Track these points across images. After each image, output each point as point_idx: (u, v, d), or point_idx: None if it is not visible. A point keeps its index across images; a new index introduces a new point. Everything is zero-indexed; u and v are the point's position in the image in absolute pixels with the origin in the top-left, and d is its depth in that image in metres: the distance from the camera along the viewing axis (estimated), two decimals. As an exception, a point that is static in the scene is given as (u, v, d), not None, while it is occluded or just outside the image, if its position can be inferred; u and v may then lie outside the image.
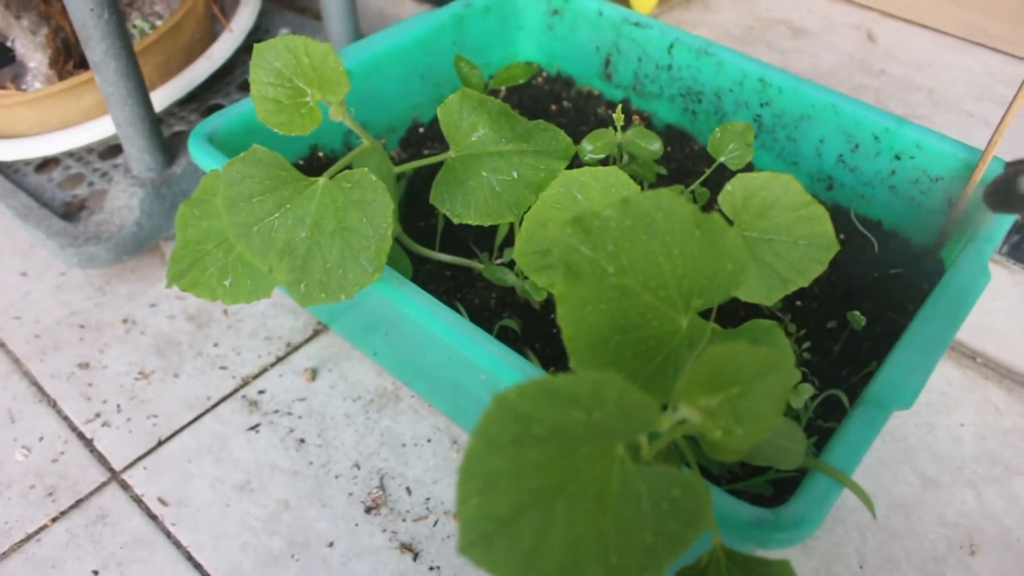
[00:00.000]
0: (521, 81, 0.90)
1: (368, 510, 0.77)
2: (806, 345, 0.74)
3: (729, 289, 0.50)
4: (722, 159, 0.72)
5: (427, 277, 0.81)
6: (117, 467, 0.81)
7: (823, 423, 0.69)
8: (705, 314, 0.54)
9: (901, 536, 0.76)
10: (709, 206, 0.84)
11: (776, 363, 0.40)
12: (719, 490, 0.52)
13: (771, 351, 0.40)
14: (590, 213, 0.49)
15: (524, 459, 0.38)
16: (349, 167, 0.66)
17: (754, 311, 0.76)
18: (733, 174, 0.87)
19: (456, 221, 0.68)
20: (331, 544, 0.75)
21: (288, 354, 0.90)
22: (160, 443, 0.83)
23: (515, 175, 0.68)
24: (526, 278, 0.74)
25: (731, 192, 0.62)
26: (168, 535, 0.76)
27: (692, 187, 0.75)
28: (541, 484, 0.38)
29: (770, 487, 0.64)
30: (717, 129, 0.72)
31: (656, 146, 0.75)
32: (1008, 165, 0.41)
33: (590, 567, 0.38)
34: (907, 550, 0.75)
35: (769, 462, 0.56)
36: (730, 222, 0.61)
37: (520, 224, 0.73)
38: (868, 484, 0.79)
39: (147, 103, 0.88)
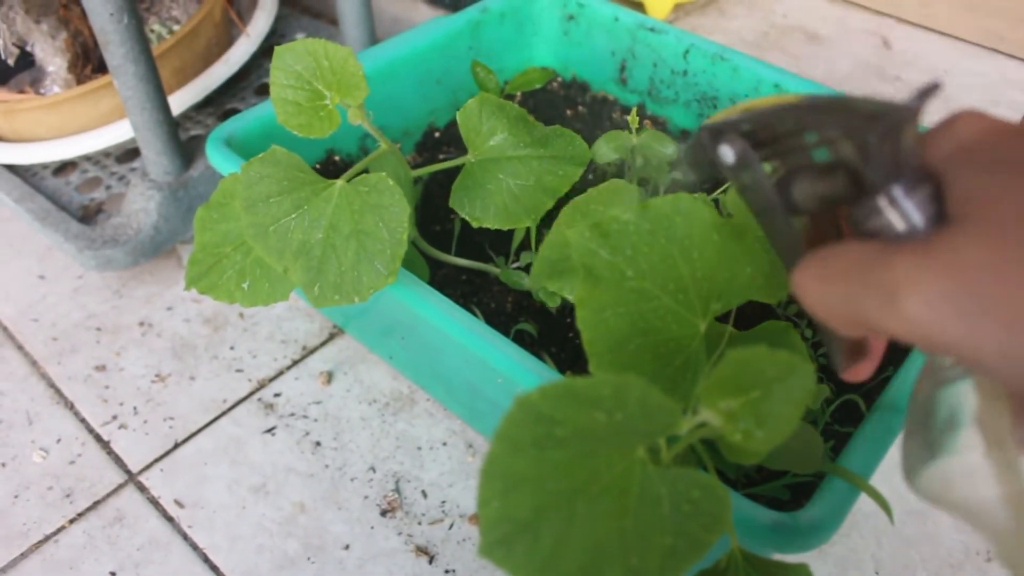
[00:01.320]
0: (537, 86, 0.90)
1: (384, 513, 0.77)
2: (823, 350, 0.74)
3: (748, 293, 0.50)
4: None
5: (443, 281, 0.81)
6: (134, 469, 0.81)
7: (840, 428, 0.68)
8: (723, 317, 0.54)
9: (917, 542, 0.75)
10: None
11: (797, 366, 0.40)
12: (737, 494, 0.52)
13: (792, 355, 0.40)
14: (609, 217, 0.49)
15: (546, 461, 0.38)
16: (366, 171, 0.66)
17: (769, 314, 0.76)
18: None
19: (475, 224, 0.68)
20: (347, 547, 0.75)
21: (304, 357, 0.91)
22: (176, 445, 0.83)
23: (533, 179, 0.69)
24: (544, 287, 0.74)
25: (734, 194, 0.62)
26: (184, 537, 0.76)
27: (715, 195, 0.75)
28: (562, 486, 0.38)
29: (786, 491, 0.64)
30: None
31: (670, 149, 0.75)
32: (702, 129, 0.40)
33: (610, 569, 0.38)
34: (923, 556, 0.74)
35: (786, 466, 0.56)
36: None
37: (535, 230, 0.73)
38: (884, 490, 0.78)
39: (165, 107, 0.89)
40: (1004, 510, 0.33)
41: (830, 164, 0.36)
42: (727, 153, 0.39)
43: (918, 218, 0.33)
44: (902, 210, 0.33)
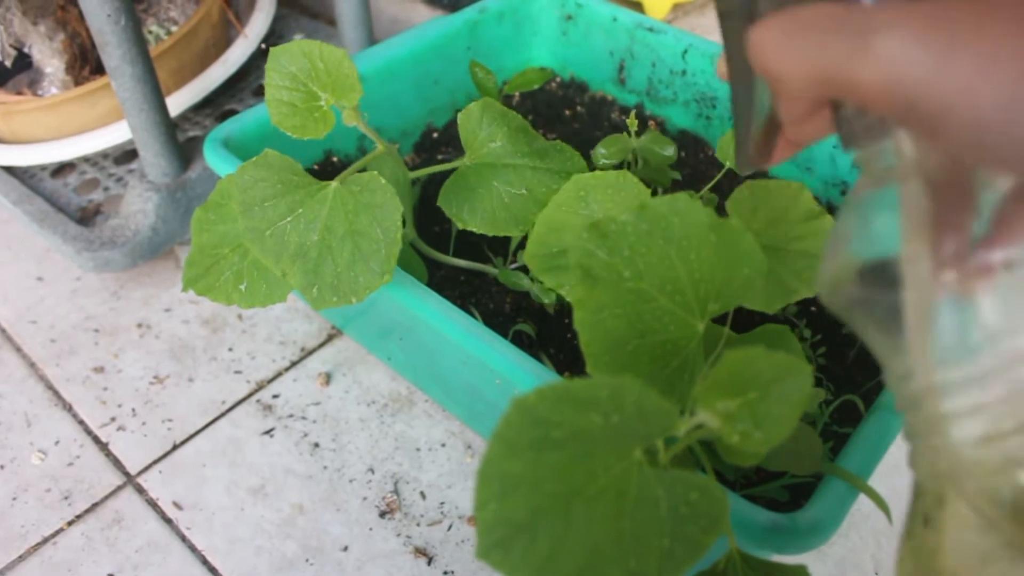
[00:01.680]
0: (536, 87, 0.90)
1: (382, 514, 0.77)
2: (821, 350, 0.74)
3: (745, 294, 0.50)
4: (730, 164, 0.72)
5: (442, 282, 0.81)
6: (132, 471, 0.81)
7: (838, 428, 0.68)
8: (721, 319, 0.54)
9: (917, 542, 0.75)
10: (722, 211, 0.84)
11: (794, 367, 0.40)
12: (735, 495, 0.52)
13: (789, 356, 0.40)
14: (607, 218, 0.49)
15: (543, 463, 0.38)
16: (364, 171, 0.66)
17: (769, 316, 0.76)
18: (747, 179, 0.86)
19: (461, 227, 0.68)
20: (345, 548, 0.75)
21: (302, 359, 0.91)
22: (175, 447, 0.83)
23: (525, 190, 0.69)
24: (541, 281, 0.74)
25: (739, 200, 0.62)
26: (183, 539, 0.76)
27: (702, 192, 0.75)
28: (559, 488, 0.38)
29: (785, 492, 0.64)
30: (727, 132, 0.72)
31: (670, 151, 0.75)
32: None
33: (608, 571, 0.38)
34: (923, 556, 0.74)
35: (785, 467, 0.56)
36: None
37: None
38: (883, 490, 0.78)
39: (163, 108, 0.89)
40: (908, 316, 0.33)
41: None
42: None
43: None
44: None
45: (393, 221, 0.61)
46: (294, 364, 0.90)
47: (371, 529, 0.76)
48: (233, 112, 1.08)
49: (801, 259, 0.59)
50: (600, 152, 0.75)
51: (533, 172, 0.69)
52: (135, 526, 0.77)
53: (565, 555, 0.38)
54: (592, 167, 0.76)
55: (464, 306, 0.78)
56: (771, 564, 0.47)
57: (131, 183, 0.94)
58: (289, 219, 0.62)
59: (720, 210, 0.82)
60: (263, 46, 1.11)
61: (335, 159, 0.92)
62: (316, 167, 0.91)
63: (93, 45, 1.07)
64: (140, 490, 0.80)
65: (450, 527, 0.76)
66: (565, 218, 0.63)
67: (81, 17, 1.06)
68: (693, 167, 0.93)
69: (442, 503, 0.78)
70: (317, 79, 0.65)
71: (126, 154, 1.05)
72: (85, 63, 1.07)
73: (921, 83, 0.29)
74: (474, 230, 0.68)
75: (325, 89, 0.65)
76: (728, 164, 0.72)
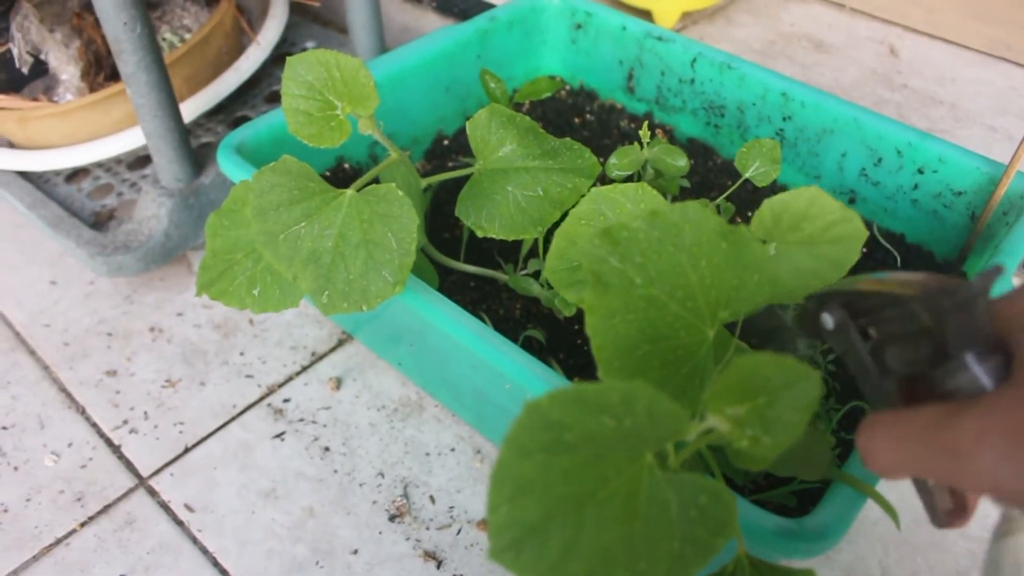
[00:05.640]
0: (546, 96, 0.90)
1: (392, 518, 0.78)
2: (830, 357, 0.74)
3: (756, 300, 0.51)
4: (748, 175, 0.72)
5: (452, 287, 0.82)
6: (144, 473, 0.82)
7: (846, 435, 0.69)
8: (731, 325, 0.55)
9: (924, 549, 0.76)
10: (733, 221, 0.84)
11: (803, 373, 0.41)
12: (743, 500, 0.52)
13: (798, 362, 0.41)
14: (619, 225, 0.50)
15: (554, 466, 0.39)
16: (377, 179, 0.67)
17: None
18: (757, 188, 0.87)
19: (480, 234, 0.69)
20: (355, 552, 0.75)
21: (313, 363, 0.91)
22: (186, 450, 0.84)
23: (540, 191, 0.69)
24: (552, 289, 0.75)
25: (761, 216, 0.62)
26: (194, 541, 0.77)
27: (718, 201, 0.76)
28: (571, 491, 0.39)
29: (793, 498, 0.64)
30: (744, 145, 0.73)
31: (682, 162, 0.75)
32: (808, 298, 0.44)
33: (618, 573, 0.38)
34: (930, 563, 0.75)
35: (793, 472, 0.56)
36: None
37: (543, 238, 0.73)
38: (891, 497, 0.78)
39: (176, 115, 0.90)
40: None
41: (917, 332, 0.39)
42: (827, 320, 0.43)
43: (987, 382, 0.36)
44: (973, 375, 0.37)
45: (408, 233, 0.62)
46: (305, 369, 0.91)
47: (381, 533, 0.77)
48: (246, 118, 1.09)
49: (832, 247, 0.59)
50: (612, 163, 0.75)
51: (546, 173, 0.69)
52: (147, 528, 0.78)
53: (576, 557, 0.38)
54: (603, 175, 0.76)
55: (475, 312, 0.79)
56: (779, 568, 0.48)
57: (144, 188, 0.95)
58: (303, 224, 0.63)
59: (736, 219, 0.83)
60: (281, 41, 1.12)
61: (347, 165, 0.93)
62: (328, 173, 0.92)
63: (108, 52, 1.08)
64: (152, 492, 0.80)
65: (459, 531, 0.77)
66: (584, 231, 0.64)
67: (96, 24, 1.07)
68: (702, 175, 0.93)
69: (451, 507, 0.78)
70: (333, 88, 0.66)
71: (140, 160, 1.06)
72: (100, 70, 1.08)
73: (1015, 496, 0.33)
74: (494, 236, 0.68)
75: (341, 98, 0.66)
76: (746, 175, 0.73)
